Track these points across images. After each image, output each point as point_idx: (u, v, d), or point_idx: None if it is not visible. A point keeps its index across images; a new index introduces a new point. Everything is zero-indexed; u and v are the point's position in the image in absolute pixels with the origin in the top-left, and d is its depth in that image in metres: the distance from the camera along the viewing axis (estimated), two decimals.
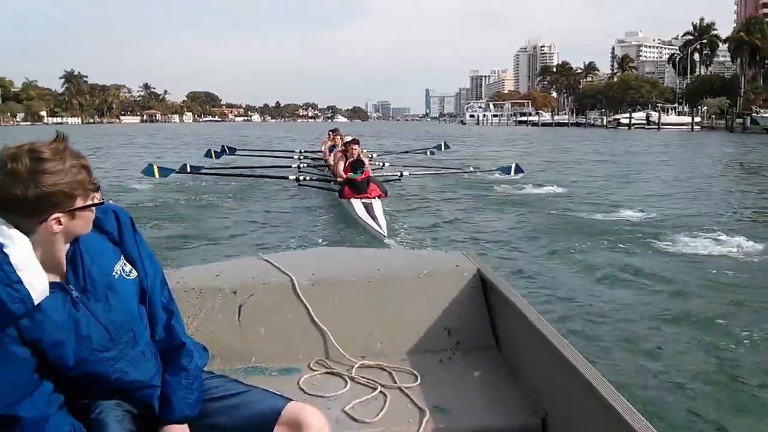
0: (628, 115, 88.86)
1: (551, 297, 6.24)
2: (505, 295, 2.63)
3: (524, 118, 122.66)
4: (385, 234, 8.79)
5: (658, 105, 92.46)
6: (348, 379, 2.53)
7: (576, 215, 11.38)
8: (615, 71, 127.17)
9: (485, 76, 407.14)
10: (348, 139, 12.12)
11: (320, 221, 10.69)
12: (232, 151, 21.78)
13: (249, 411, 1.80)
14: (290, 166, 16.37)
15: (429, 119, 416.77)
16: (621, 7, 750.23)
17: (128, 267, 1.73)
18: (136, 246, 1.77)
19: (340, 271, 2.94)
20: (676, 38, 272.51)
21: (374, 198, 9.87)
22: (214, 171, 15.46)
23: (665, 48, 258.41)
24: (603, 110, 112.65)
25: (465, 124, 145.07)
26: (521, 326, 2.42)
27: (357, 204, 9.65)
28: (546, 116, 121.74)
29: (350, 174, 10.39)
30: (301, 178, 12.67)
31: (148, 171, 13.92)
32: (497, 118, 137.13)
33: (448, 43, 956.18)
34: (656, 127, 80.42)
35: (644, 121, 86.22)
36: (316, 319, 2.73)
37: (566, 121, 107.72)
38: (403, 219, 10.86)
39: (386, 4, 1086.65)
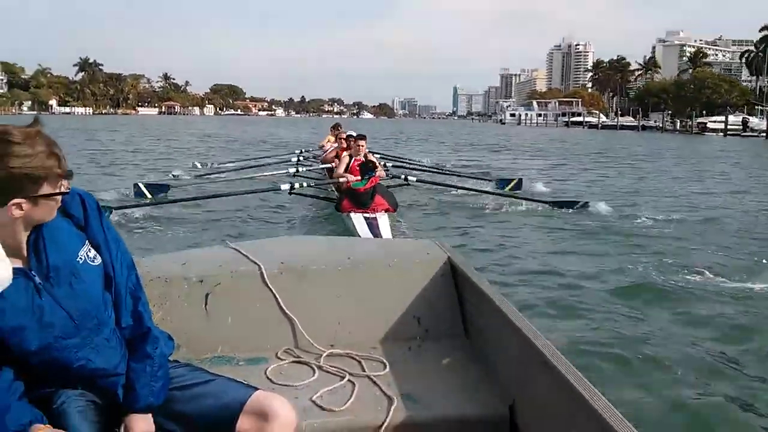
0: (716, 118, 71.37)
1: None
2: (475, 283, 2.60)
3: (574, 119, 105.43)
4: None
5: (745, 106, 74.63)
6: (316, 368, 2.45)
7: None
8: (683, 68, 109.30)
9: (515, 75, 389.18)
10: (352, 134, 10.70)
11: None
12: (221, 167, 17.00)
13: (214, 400, 1.74)
14: (287, 171, 13.48)
15: (456, 117, 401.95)
16: (658, 6, 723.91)
17: (93, 252, 1.67)
18: (102, 231, 1.71)
19: (310, 259, 2.83)
20: (720, 38, 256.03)
21: (380, 212, 8.23)
22: (190, 196, 11.21)
23: (710, 48, 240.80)
24: (669, 112, 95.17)
25: (504, 123, 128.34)
26: (490, 314, 2.41)
27: (358, 220, 7.96)
28: (601, 117, 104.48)
29: (353, 182, 8.70)
30: (296, 185, 10.18)
31: (138, 193, 11.21)
32: (542, 117, 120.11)
33: (477, 41, 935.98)
34: (760, 134, 63.08)
35: (739, 127, 68.72)
36: (284, 308, 2.64)
37: (634, 124, 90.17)
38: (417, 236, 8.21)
39: (418, 6, 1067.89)
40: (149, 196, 11.16)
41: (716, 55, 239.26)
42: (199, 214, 10.05)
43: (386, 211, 8.45)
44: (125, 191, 11.86)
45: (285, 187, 10.16)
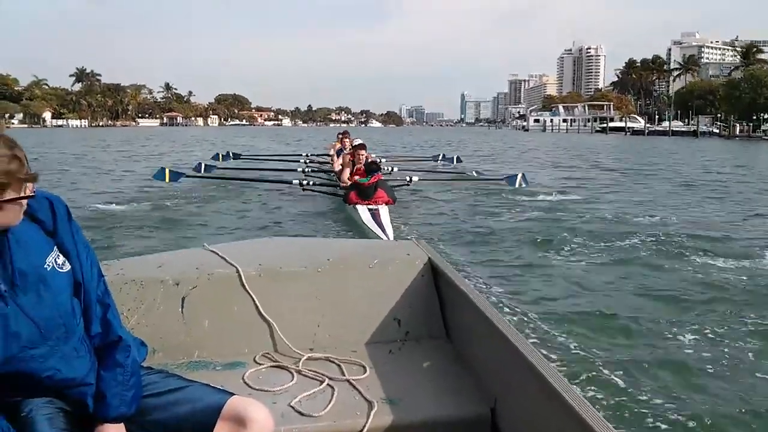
0: None
1: None
2: (455, 284, 2.54)
3: (613, 125, 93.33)
4: (391, 239, 7.79)
5: None
6: (295, 373, 2.39)
7: None
8: (736, 66, 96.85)
9: (524, 81, 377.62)
10: (357, 142, 11.27)
11: (323, 227, 9.67)
12: (237, 156, 20.66)
13: (189, 407, 1.67)
14: (296, 170, 14.96)
15: (464, 125, 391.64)
16: (670, 6, 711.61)
17: (61, 259, 1.59)
18: (72, 237, 1.63)
19: (289, 261, 2.77)
20: (737, 39, 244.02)
21: (381, 204, 9.23)
22: (220, 175, 14.50)
23: (728, 49, 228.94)
24: (719, 116, 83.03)
25: (527, 130, 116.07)
26: (471, 315, 2.36)
27: (363, 210, 8.98)
28: (640, 122, 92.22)
29: (357, 178, 9.85)
30: (305, 182, 11.83)
31: (159, 175, 13.32)
32: (569, 123, 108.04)
33: (484, 47, 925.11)
34: None
35: None
36: (262, 311, 2.56)
37: (684, 129, 77.93)
38: (415, 226, 9.67)
39: (421, 6, 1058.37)
40: (203, 172, 14.64)
41: (735, 56, 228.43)
42: (217, 203, 11.49)
43: (386, 203, 9.36)
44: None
45: (296, 182, 11.85)
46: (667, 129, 79.91)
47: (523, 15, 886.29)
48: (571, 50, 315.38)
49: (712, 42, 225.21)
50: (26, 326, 1.48)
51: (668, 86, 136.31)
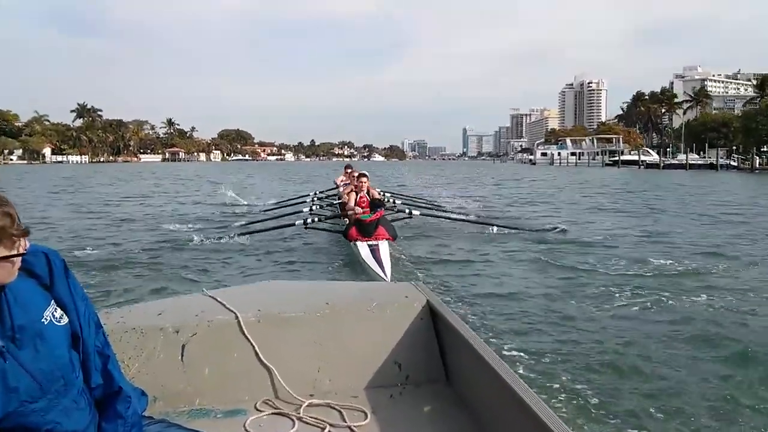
0: None
1: None
2: (454, 327, 2.52)
3: (625, 158, 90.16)
4: (388, 278, 7.88)
5: None
6: (296, 419, 2.36)
7: None
8: (751, 98, 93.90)
9: (526, 115, 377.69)
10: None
11: (326, 262, 9.85)
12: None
13: None
14: (302, 211, 14.88)
15: (466, 158, 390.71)
16: (670, 43, 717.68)
17: (59, 312, 1.59)
18: (69, 290, 1.63)
19: (287, 305, 2.75)
20: (739, 72, 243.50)
21: (381, 240, 9.15)
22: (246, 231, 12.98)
23: (731, 82, 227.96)
24: (734, 148, 79.92)
25: (535, 164, 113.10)
26: (470, 359, 2.33)
27: (362, 247, 8.93)
28: (652, 155, 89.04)
29: (361, 215, 9.89)
30: (309, 220, 11.87)
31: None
32: (577, 156, 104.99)
33: (486, 82, 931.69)
34: None
35: None
36: (262, 357, 2.54)
37: (701, 163, 74.62)
38: (414, 264, 9.57)
39: (423, 44, 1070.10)
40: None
41: (738, 89, 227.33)
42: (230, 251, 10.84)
43: (387, 239, 9.25)
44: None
45: (299, 222, 11.78)
46: (683, 162, 76.34)
47: (527, 58, 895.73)
48: (572, 84, 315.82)
49: (714, 75, 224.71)
50: (25, 381, 1.47)
51: (671, 119, 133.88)
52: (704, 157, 79.63)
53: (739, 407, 4.31)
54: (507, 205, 22.18)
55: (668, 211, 19.64)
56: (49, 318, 1.54)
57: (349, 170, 13.73)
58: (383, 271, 8.10)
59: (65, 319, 1.59)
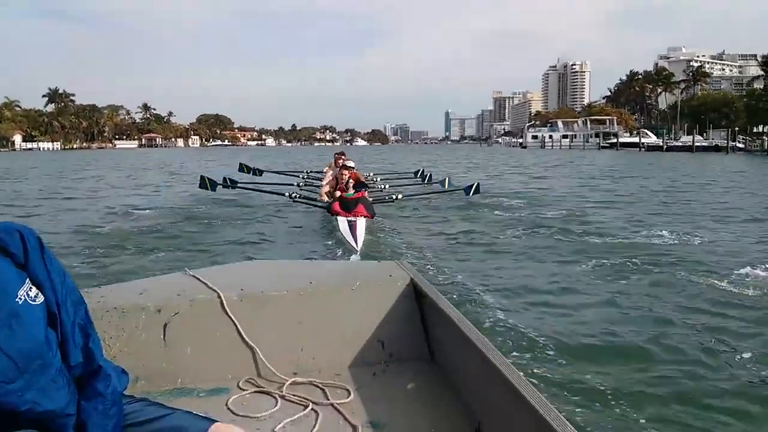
0: None
1: None
2: (438, 305, 2.52)
3: (624, 141, 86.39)
4: (357, 249, 8.55)
5: None
6: (278, 398, 2.36)
7: None
8: (754, 76, 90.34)
9: (509, 98, 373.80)
10: (349, 164, 12.18)
11: (310, 235, 10.76)
12: (260, 172, 22.38)
13: None
14: (293, 184, 16.44)
15: (449, 142, 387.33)
16: (654, 24, 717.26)
17: (34, 291, 1.54)
18: (44, 267, 1.59)
19: (270, 284, 2.72)
20: (724, 53, 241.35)
21: (360, 217, 9.78)
22: (243, 186, 16.10)
23: (716, 63, 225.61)
24: (733, 129, 76.27)
25: (525, 147, 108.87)
26: (454, 336, 2.33)
27: (342, 221, 9.61)
28: (651, 137, 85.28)
29: (345, 193, 10.81)
30: (294, 195, 13.25)
31: (202, 184, 15.68)
32: (570, 139, 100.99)
33: (468, 65, 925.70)
34: None
35: None
36: (245, 336, 2.53)
37: (705, 144, 70.81)
38: (389, 239, 10.18)
39: (407, 35, 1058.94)
40: (209, 188, 15.74)
41: (723, 69, 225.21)
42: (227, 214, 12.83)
43: (365, 216, 9.94)
44: None
45: (287, 194, 13.37)
46: (687, 144, 72.38)
47: (512, 37, 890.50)
48: (555, 67, 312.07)
49: (699, 56, 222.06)
50: (1, 361, 1.45)
51: (656, 101, 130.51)
52: (707, 139, 75.85)
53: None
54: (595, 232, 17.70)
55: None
56: (23, 297, 1.50)
57: (342, 160, 13.59)
58: (356, 243, 8.64)
59: (41, 298, 1.54)
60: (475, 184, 15.87)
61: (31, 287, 1.52)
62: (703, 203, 16.49)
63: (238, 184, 16.15)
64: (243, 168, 22.42)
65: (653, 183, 24.37)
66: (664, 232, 10.67)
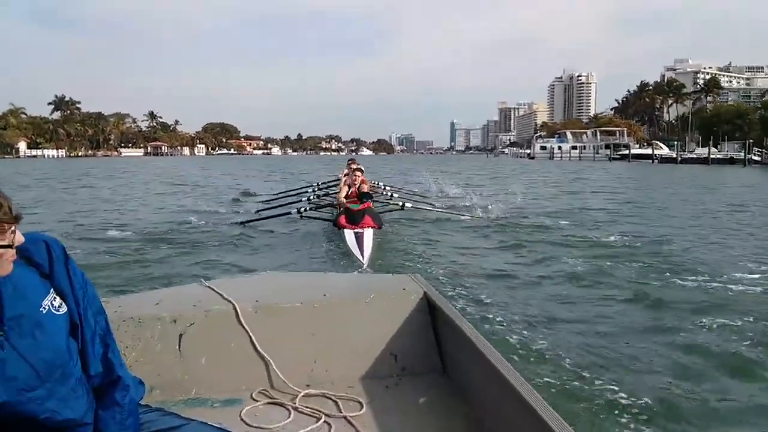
0: None
1: None
2: (451, 318, 2.52)
3: (636, 152, 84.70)
4: (365, 263, 8.41)
5: None
6: (291, 409, 2.37)
7: None
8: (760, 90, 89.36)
9: (514, 108, 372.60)
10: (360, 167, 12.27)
11: (317, 250, 10.35)
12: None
13: None
14: (301, 200, 15.98)
15: (454, 152, 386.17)
16: (661, 34, 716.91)
17: (58, 301, 1.57)
18: (68, 278, 1.61)
19: (285, 296, 2.75)
20: (730, 65, 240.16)
21: (367, 228, 9.65)
22: (256, 219, 14.33)
23: (723, 75, 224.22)
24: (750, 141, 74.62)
25: (534, 158, 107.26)
26: (467, 350, 2.33)
27: (348, 233, 9.49)
28: (664, 149, 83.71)
29: (350, 204, 10.62)
30: (302, 209, 13.09)
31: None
32: (579, 150, 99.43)
33: (474, 75, 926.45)
34: None
35: None
36: (259, 348, 2.54)
37: (720, 157, 69.16)
38: (395, 251, 9.91)
39: (410, 39, 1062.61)
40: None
41: (730, 81, 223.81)
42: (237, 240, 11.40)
43: (372, 227, 9.69)
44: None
45: (294, 211, 12.91)
46: (702, 156, 70.84)
47: (515, 46, 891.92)
48: (561, 78, 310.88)
49: (706, 68, 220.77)
50: (23, 370, 1.47)
51: (662, 112, 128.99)
52: (721, 151, 74.26)
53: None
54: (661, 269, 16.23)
55: None
56: (47, 307, 1.52)
57: (354, 165, 13.69)
58: (363, 256, 8.52)
59: (64, 308, 1.56)
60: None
61: (55, 297, 1.54)
62: None
63: (249, 223, 14.50)
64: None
65: (711, 201, 21.33)
66: None
